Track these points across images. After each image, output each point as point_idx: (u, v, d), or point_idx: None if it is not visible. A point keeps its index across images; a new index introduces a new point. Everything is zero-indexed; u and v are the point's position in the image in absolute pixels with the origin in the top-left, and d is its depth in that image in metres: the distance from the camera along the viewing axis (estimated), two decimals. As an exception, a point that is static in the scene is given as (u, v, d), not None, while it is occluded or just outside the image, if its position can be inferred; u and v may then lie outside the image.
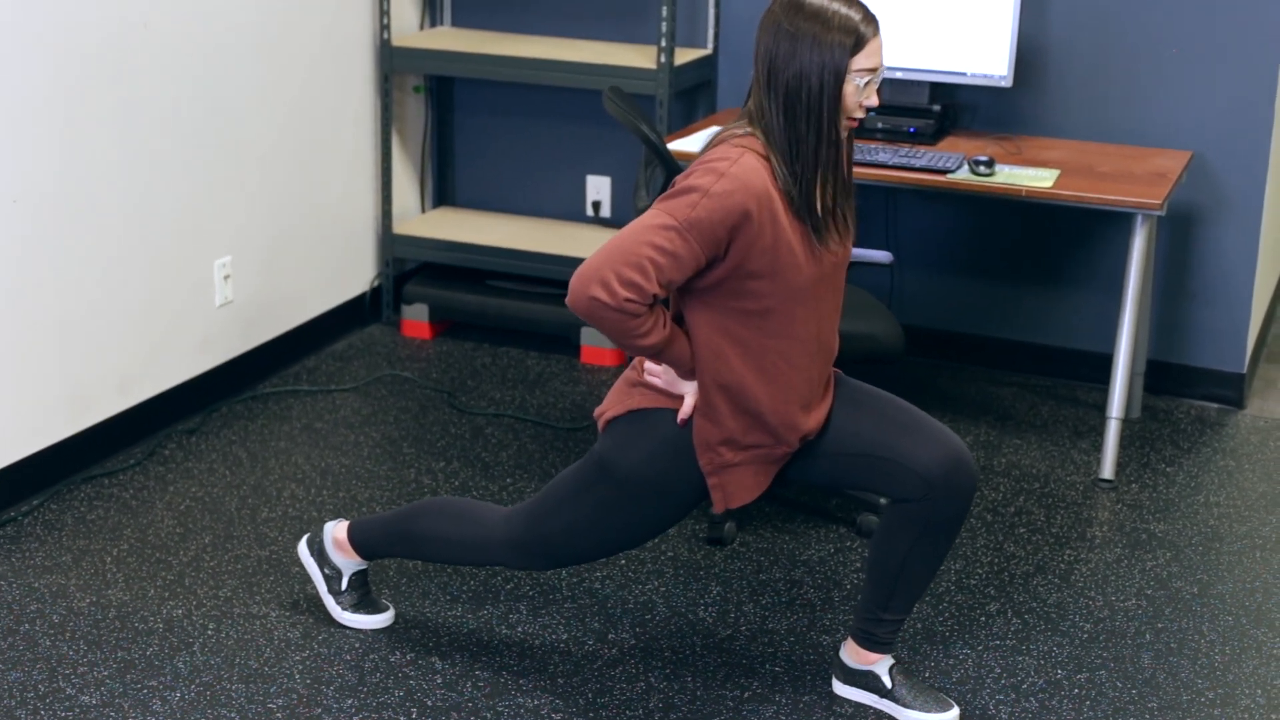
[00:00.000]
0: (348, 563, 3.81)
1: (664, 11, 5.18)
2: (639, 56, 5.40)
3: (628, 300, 3.12)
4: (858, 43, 3.17)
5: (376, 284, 5.79)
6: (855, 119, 3.26)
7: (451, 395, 5.16)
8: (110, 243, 4.57)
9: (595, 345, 5.45)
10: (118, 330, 4.65)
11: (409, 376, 5.30)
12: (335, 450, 4.76)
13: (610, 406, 3.42)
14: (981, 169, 4.59)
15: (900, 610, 3.49)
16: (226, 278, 5.02)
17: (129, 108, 4.57)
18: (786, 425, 3.33)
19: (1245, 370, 5.21)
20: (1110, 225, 5.21)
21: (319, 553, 3.82)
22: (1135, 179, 4.66)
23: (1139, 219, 4.58)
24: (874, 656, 3.55)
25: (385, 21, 5.54)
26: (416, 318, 5.66)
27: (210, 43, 4.84)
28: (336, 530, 3.80)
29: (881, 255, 4.40)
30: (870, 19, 3.21)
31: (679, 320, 3.32)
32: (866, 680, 3.57)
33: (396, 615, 3.88)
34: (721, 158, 3.18)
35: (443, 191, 6.06)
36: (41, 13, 4.25)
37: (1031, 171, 4.66)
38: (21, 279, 4.31)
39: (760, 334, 3.26)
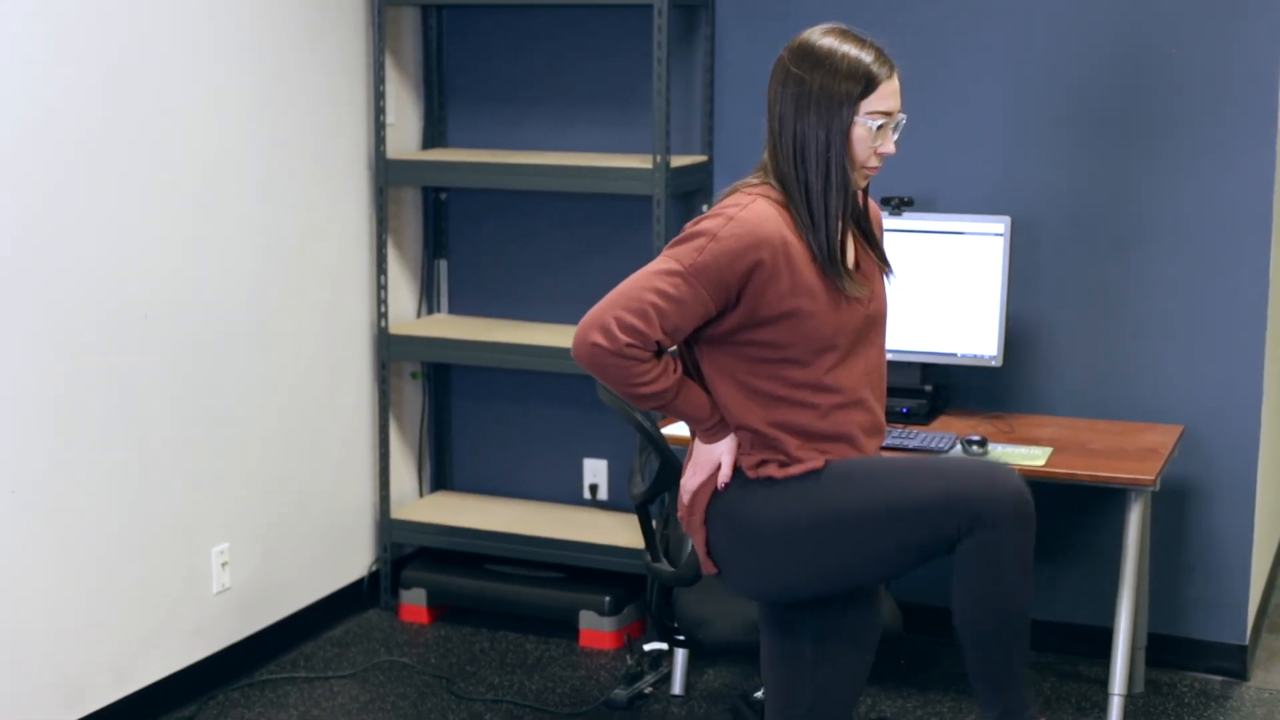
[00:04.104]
0: None
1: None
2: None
3: (629, 345, 3.02)
4: (868, 86, 3.09)
5: (375, 569, 5.78)
6: (872, 168, 3.15)
7: (450, 681, 5.12)
8: (107, 530, 4.58)
9: (594, 630, 5.42)
10: (113, 619, 4.64)
11: (407, 663, 5.27)
12: (332, 739, 4.72)
13: (695, 540, 3.29)
14: (974, 449, 4.62)
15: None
16: (224, 565, 5.02)
17: (125, 396, 4.62)
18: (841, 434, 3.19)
19: (1247, 642, 5.18)
20: (1105, 501, 5.22)
21: None
22: (1127, 455, 4.69)
23: (1133, 495, 4.60)
24: None
25: (383, 310, 5.63)
26: (415, 602, 5.64)
27: (208, 332, 4.91)
28: None
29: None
30: (884, 60, 3.12)
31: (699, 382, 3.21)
32: None
33: None
34: (732, 204, 3.10)
35: (440, 476, 6.09)
36: (41, 302, 4.33)
37: (1024, 450, 4.69)
38: (15, 567, 4.31)
39: (784, 385, 3.13)
